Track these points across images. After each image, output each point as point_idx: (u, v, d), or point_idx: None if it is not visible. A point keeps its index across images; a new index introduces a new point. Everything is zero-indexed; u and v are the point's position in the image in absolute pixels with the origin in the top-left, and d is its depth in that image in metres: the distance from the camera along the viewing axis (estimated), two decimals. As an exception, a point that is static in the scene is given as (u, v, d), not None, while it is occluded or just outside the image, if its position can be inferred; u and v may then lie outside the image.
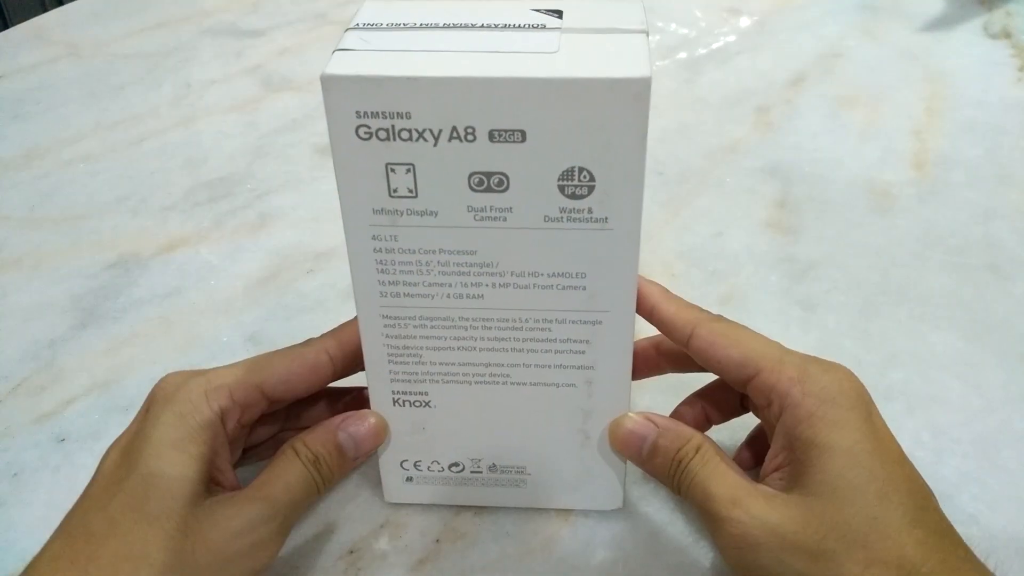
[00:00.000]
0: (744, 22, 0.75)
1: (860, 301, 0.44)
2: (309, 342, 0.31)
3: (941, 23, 0.72)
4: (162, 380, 0.30)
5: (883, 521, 0.25)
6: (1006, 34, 0.70)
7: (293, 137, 0.60)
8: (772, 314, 0.43)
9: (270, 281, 0.46)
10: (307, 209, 0.52)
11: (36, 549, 0.26)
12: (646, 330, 0.31)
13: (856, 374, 0.29)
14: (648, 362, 0.34)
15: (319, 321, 0.43)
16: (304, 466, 0.29)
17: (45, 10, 0.82)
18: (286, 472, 0.29)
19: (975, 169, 0.54)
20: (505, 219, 0.27)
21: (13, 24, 0.79)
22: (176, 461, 0.27)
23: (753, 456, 0.33)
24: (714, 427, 0.34)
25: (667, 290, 0.31)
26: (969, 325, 0.42)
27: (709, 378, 0.33)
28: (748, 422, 0.33)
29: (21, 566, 0.25)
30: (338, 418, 0.31)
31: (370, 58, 0.25)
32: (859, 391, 0.28)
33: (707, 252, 0.47)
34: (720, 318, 0.31)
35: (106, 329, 0.44)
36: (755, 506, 0.26)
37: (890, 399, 0.38)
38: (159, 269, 0.48)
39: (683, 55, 0.69)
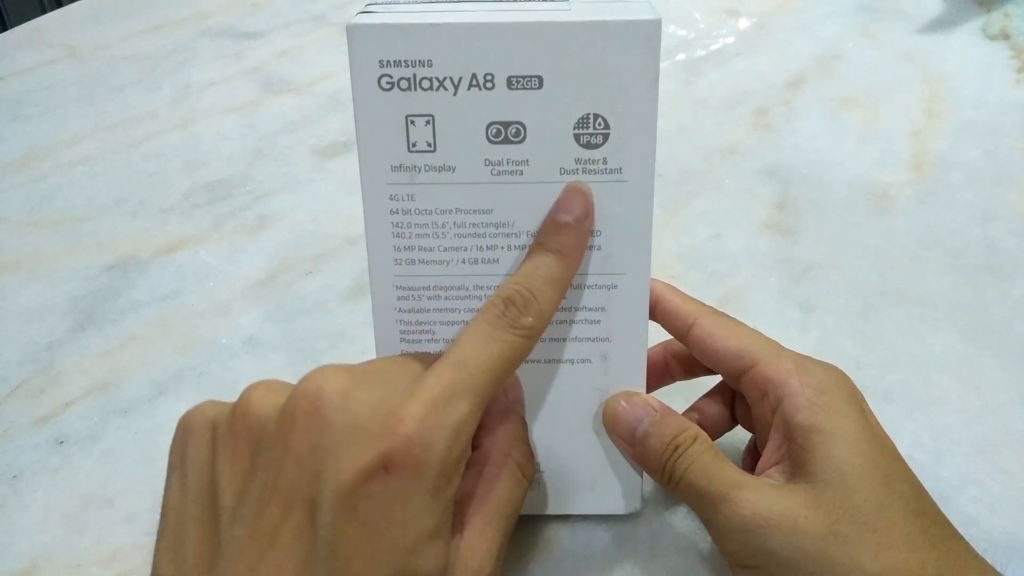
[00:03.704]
0: (743, 24, 0.75)
1: (859, 302, 0.44)
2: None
3: (940, 25, 0.73)
4: (403, 426, 0.22)
5: (890, 508, 0.25)
6: (1005, 35, 0.70)
7: (292, 139, 0.60)
8: (771, 315, 0.43)
9: (269, 283, 0.46)
10: (306, 211, 0.52)
11: (35, 551, 0.26)
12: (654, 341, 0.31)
13: (855, 375, 0.29)
14: (658, 367, 0.34)
15: (318, 323, 0.43)
16: (524, 483, 0.27)
17: (44, 12, 0.82)
18: (511, 492, 0.26)
19: (974, 170, 0.54)
20: (522, 172, 0.28)
21: (12, 26, 0.79)
22: (434, 554, 0.22)
23: (748, 469, 0.33)
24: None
25: (672, 286, 0.32)
26: (968, 326, 0.42)
27: (708, 386, 0.33)
28: (735, 438, 0.33)
29: (20, 568, 0.25)
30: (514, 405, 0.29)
31: (393, 14, 0.27)
32: (852, 388, 0.29)
33: (706, 253, 0.47)
34: (721, 312, 0.31)
35: (105, 331, 0.43)
36: (763, 490, 0.26)
37: (889, 400, 0.38)
38: (158, 271, 0.47)
39: (681, 56, 0.69)
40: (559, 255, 0.27)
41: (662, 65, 0.27)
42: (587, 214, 0.28)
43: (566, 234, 0.27)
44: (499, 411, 0.28)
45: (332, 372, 0.24)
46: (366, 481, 0.21)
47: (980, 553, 0.26)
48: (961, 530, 0.26)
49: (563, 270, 0.27)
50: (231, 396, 0.26)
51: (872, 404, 0.29)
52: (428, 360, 0.26)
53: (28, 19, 0.80)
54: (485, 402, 0.24)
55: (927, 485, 0.27)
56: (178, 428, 0.25)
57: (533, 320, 0.26)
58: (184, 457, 0.25)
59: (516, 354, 0.25)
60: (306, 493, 0.22)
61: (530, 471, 0.28)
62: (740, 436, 0.34)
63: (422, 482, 0.22)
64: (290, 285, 0.46)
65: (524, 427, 0.29)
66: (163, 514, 0.24)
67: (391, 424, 0.22)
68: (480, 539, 0.25)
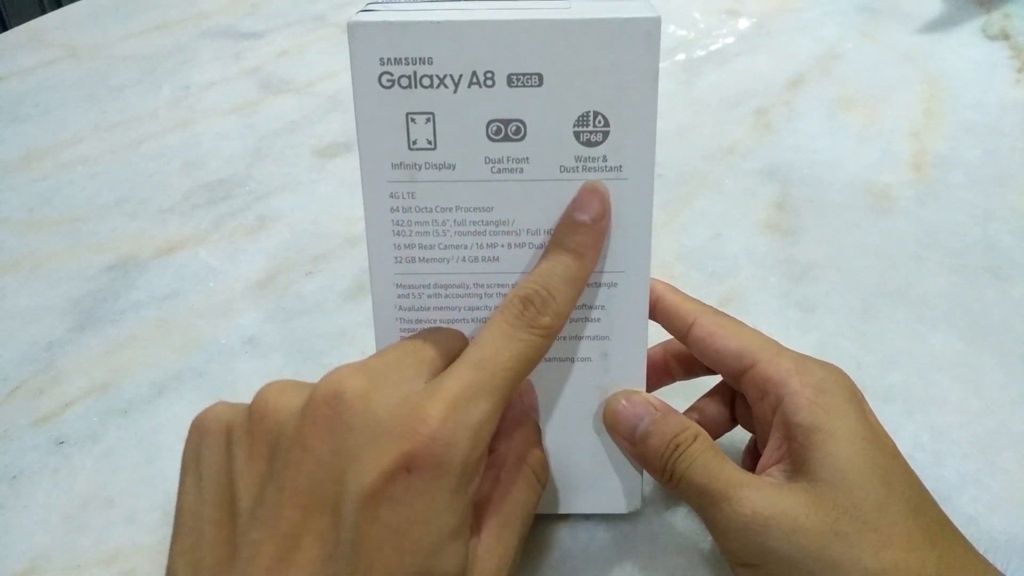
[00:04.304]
0: (743, 24, 0.75)
1: (859, 302, 0.44)
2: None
3: (939, 25, 0.73)
4: (425, 426, 0.22)
5: (890, 507, 0.25)
6: (1004, 35, 0.70)
7: (292, 139, 0.60)
8: (771, 315, 0.43)
9: (269, 283, 0.46)
10: (306, 211, 0.52)
11: (35, 551, 0.26)
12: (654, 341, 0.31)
13: (855, 375, 0.29)
14: (658, 367, 0.34)
15: (318, 323, 0.43)
16: (539, 488, 0.28)
17: (44, 12, 0.82)
18: (527, 496, 0.27)
19: (974, 171, 0.54)
20: (522, 170, 0.28)
21: (12, 26, 0.79)
22: (455, 554, 0.23)
23: (749, 468, 0.33)
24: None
25: (672, 286, 0.32)
26: (968, 326, 0.42)
27: (708, 386, 0.33)
28: (735, 438, 0.33)
29: (20, 568, 0.25)
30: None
31: (394, 11, 0.27)
32: (852, 387, 0.29)
33: (706, 254, 0.47)
34: (721, 312, 0.31)
35: (105, 331, 0.43)
36: (763, 489, 0.26)
37: (889, 401, 0.38)
38: (158, 271, 0.47)
39: (681, 57, 0.69)
40: (576, 254, 0.27)
41: (662, 65, 0.27)
42: (604, 213, 0.28)
43: (583, 233, 0.27)
44: (515, 416, 0.29)
45: (350, 373, 0.24)
46: (389, 482, 0.22)
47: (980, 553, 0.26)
48: (961, 530, 0.26)
49: (580, 269, 0.27)
50: (231, 396, 0.26)
51: (872, 404, 0.29)
52: (439, 346, 0.26)
53: (28, 19, 0.80)
54: (505, 402, 0.24)
55: (927, 485, 0.27)
56: (192, 430, 0.25)
57: (551, 319, 0.26)
58: (199, 459, 0.25)
59: (535, 353, 0.26)
60: (328, 496, 0.22)
61: (544, 477, 0.28)
62: (740, 436, 0.34)
63: (444, 481, 0.22)
64: (290, 285, 0.46)
65: (539, 433, 0.29)
66: (178, 516, 0.24)
67: (413, 424, 0.22)
68: (498, 540, 0.25)
